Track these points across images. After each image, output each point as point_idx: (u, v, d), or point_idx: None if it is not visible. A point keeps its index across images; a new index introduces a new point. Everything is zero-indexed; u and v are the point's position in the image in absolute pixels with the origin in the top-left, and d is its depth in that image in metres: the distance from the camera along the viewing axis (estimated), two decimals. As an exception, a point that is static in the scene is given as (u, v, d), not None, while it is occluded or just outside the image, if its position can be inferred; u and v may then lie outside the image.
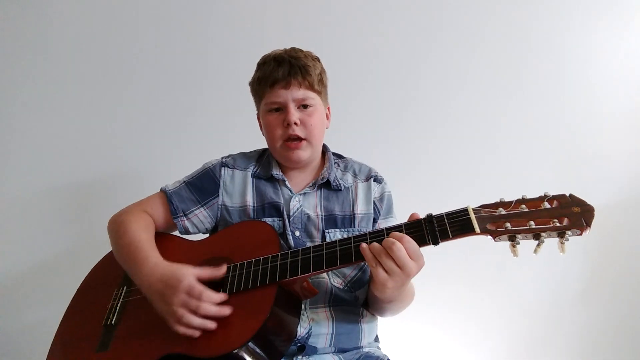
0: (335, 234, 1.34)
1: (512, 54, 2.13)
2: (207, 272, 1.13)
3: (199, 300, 1.06)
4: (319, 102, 1.39)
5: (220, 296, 1.09)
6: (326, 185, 1.41)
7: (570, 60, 2.13)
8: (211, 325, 1.06)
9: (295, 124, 1.33)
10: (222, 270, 1.15)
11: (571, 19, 2.12)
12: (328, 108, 1.49)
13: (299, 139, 1.35)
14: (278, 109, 1.36)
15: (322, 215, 1.37)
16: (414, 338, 2.12)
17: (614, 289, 2.15)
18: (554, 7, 2.11)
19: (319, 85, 1.38)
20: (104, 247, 1.40)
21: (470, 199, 1.12)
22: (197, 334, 1.06)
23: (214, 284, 1.16)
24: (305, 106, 1.36)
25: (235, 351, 1.01)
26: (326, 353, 1.26)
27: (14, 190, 2.07)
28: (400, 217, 1.39)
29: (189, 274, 1.09)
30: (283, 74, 1.33)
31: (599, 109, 2.13)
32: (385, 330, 1.49)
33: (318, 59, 1.44)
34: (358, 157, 1.55)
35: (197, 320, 1.05)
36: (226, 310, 1.08)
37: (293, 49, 1.42)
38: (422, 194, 2.05)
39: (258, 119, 1.48)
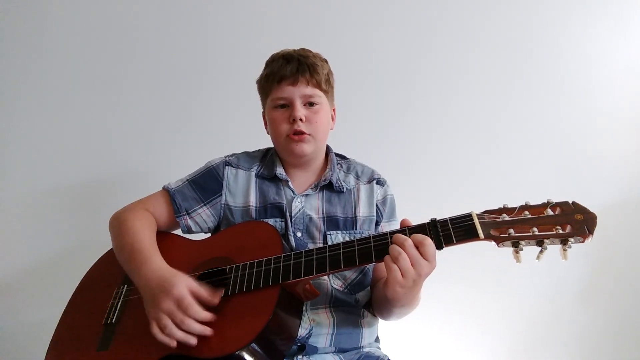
0: (337, 236, 1.34)
1: (512, 54, 2.13)
2: (204, 294, 1.10)
3: (184, 313, 1.04)
4: (325, 101, 1.39)
5: (206, 315, 1.06)
6: (328, 187, 1.41)
7: (570, 62, 2.14)
8: (193, 341, 1.04)
9: (301, 120, 1.33)
10: (215, 300, 1.11)
11: (571, 19, 2.12)
12: (333, 109, 1.49)
13: (304, 133, 1.35)
14: (284, 105, 1.36)
15: (323, 216, 1.37)
16: (414, 338, 2.13)
17: (614, 290, 2.16)
18: (554, 8, 2.11)
19: (326, 85, 1.39)
20: (104, 246, 1.40)
21: (471, 199, 1.13)
22: (174, 344, 1.05)
23: (216, 285, 1.16)
24: (311, 104, 1.36)
25: (237, 352, 1.01)
26: (326, 353, 1.27)
27: (14, 190, 2.07)
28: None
29: (183, 284, 1.08)
30: (291, 70, 1.33)
31: (599, 109, 2.14)
32: (386, 330, 1.50)
33: (326, 61, 1.45)
34: (360, 158, 1.56)
35: (179, 334, 1.04)
36: (207, 331, 1.05)
37: (302, 49, 1.43)
38: (424, 197, 2.06)
39: (263, 117, 1.48)
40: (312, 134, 1.36)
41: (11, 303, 2.05)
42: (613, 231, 2.09)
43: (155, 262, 1.18)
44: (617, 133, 2.14)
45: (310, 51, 1.42)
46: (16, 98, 2.07)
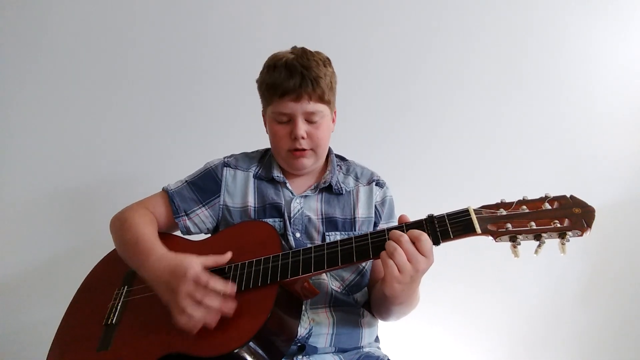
0: (335, 237, 1.34)
1: (512, 54, 2.13)
2: (211, 259, 1.13)
3: (205, 289, 1.05)
4: (327, 113, 1.37)
5: (228, 286, 1.07)
6: (328, 189, 1.41)
7: (570, 61, 2.14)
8: (214, 319, 1.05)
9: (303, 137, 1.32)
10: (226, 257, 1.16)
11: (571, 19, 2.12)
12: (334, 111, 1.47)
13: (305, 150, 1.34)
14: (285, 119, 1.34)
15: (322, 218, 1.37)
16: (414, 338, 2.13)
17: (614, 289, 2.16)
18: (554, 7, 2.11)
19: (329, 94, 1.35)
20: (105, 247, 1.41)
21: (471, 200, 1.12)
22: (195, 330, 1.05)
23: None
24: (312, 119, 1.34)
25: (235, 351, 1.01)
26: (326, 353, 1.26)
27: (14, 190, 2.07)
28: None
29: (196, 263, 1.09)
30: (294, 85, 1.29)
31: (599, 109, 2.14)
32: (386, 330, 1.50)
33: (329, 62, 1.41)
34: (359, 158, 1.55)
35: (199, 313, 1.04)
36: (231, 304, 1.07)
37: (304, 55, 1.36)
38: (423, 194, 2.06)
39: (263, 115, 1.46)
40: (313, 148, 1.36)
41: (11, 303, 2.06)
42: (613, 231, 2.09)
43: (159, 252, 1.19)
44: (617, 133, 2.14)
45: (312, 57, 1.36)
46: (16, 99, 2.08)
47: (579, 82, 2.14)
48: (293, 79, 1.29)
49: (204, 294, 1.05)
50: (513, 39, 2.13)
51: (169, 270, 1.11)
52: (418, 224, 1.06)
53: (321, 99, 1.33)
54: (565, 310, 2.18)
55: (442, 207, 1.11)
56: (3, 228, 2.07)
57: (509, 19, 2.13)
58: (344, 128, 1.61)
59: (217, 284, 1.06)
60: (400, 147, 2.13)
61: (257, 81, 1.43)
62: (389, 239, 1.04)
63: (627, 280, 2.15)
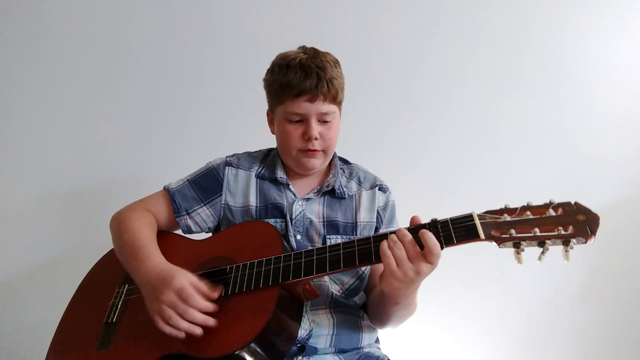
0: (336, 240, 1.34)
1: (513, 55, 2.13)
2: (203, 287, 1.10)
3: (186, 303, 1.05)
4: (338, 114, 1.37)
5: (208, 305, 1.07)
6: (330, 193, 1.41)
7: (570, 61, 2.14)
8: (198, 331, 1.04)
9: (316, 138, 1.32)
10: (215, 294, 1.11)
11: (571, 19, 2.12)
12: None
13: (316, 151, 1.34)
14: (298, 120, 1.33)
15: (324, 221, 1.37)
16: (415, 339, 2.13)
17: (614, 289, 2.17)
18: (554, 8, 2.11)
19: (341, 95, 1.36)
20: (104, 246, 1.41)
21: (471, 200, 1.12)
22: (182, 335, 1.05)
23: (216, 284, 1.16)
24: (325, 119, 1.34)
25: (237, 352, 1.01)
26: (326, 353, 1.26)
27: (14, 190, 2.07)
28: (403, 222, 1.37)
29: (183, 276, 1.08)
30: (310, 86, 1.28)
31: (599, 110, 2.14)
32: (386, 330, 1.50)
33: (338, 64, 1.40)
34: (360, 158, 1.55)
35: (184, 324, 1.04)
36: (210, 321, 1.06)
37: (317, 56, 1.35)
38: (422, 194, 2.06)
39: (268, 115, 1.45)
40: (325, 149, 1.36)
41: (11, 303, 2.06)
42: (613, 231, 2.08)
43: (155, 259, 1.18)
44: (617, 133, 2.14)
45: (325, 58, 1.36)
46: (16, 99, 2.07)
47: (579, 82, 2.14)
48: (309, 80, 1.29)
49: (185, 307, 1.04)
50: (513, 39, 2.13)
51: (158, 277, 1.11)
52: (421, 228, 1.06)
53: (334, 100, 1.33)
54: (565, 310, 2.18)
55: (442, 207, 1.12)
56: (3, 228, 2.06)
57: (509, 19, 2.12)
58: (344, 128, 1.60)
59: (199, 301, 1.06)
60: (401, 148, 2.13)
61: (264, 80, 1.42)
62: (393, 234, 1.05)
63: (627, 280, 2.16)
